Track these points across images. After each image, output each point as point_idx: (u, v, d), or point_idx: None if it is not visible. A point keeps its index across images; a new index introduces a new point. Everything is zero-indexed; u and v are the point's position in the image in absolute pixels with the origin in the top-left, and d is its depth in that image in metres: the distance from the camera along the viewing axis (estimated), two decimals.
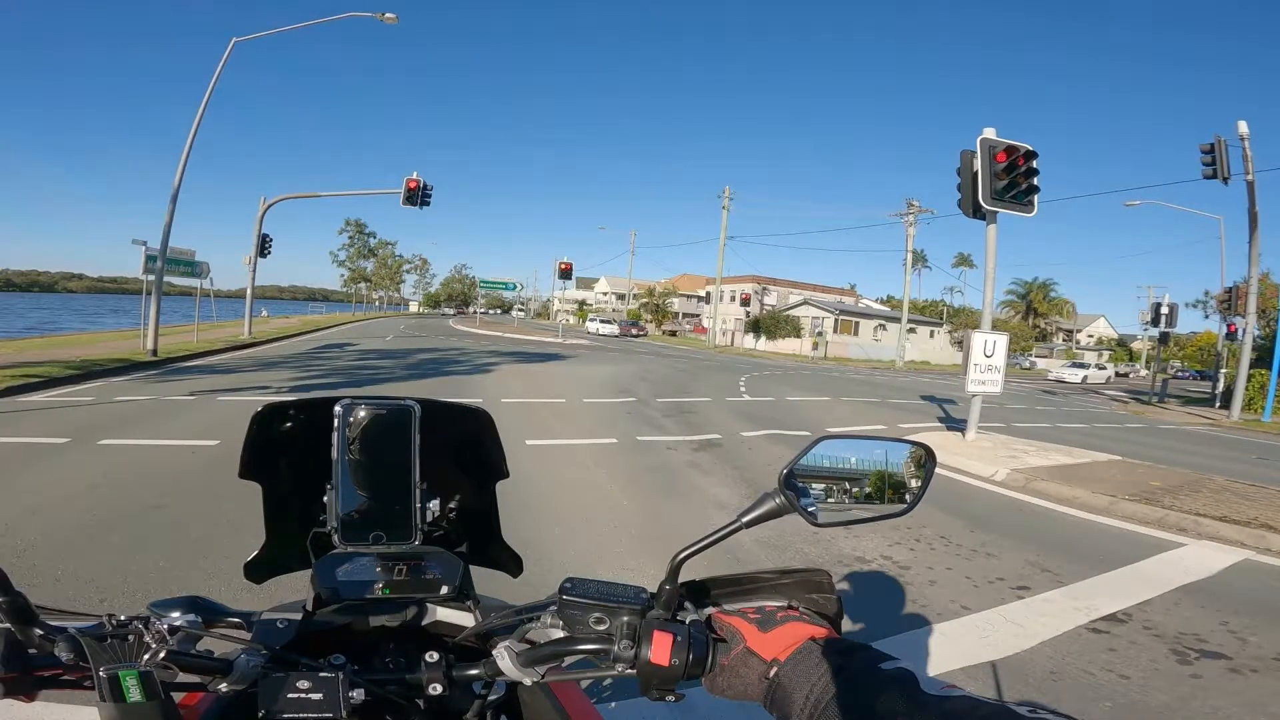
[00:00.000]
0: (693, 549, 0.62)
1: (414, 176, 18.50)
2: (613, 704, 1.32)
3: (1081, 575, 4.12)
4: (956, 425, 10.28)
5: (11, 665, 0.55)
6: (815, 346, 39.54)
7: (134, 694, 0.53)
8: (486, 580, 0.92)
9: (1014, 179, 8.44)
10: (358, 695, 0.66)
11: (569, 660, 0.65)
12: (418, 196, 18.64)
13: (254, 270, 21.16)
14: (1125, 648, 3.09)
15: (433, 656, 0.72)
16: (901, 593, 3.66)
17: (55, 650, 0.56)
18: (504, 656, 0.67)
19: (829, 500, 0.67)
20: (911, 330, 43.77)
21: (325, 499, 0.78)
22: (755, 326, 44.75)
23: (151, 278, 14.35)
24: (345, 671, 0.66)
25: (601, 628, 0.63)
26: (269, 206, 20.95)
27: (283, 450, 0.84)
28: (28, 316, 44.58)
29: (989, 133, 8.46)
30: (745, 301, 43.11)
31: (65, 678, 0.59)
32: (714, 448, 7.40)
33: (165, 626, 0.59)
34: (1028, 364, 51.31)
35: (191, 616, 0.68)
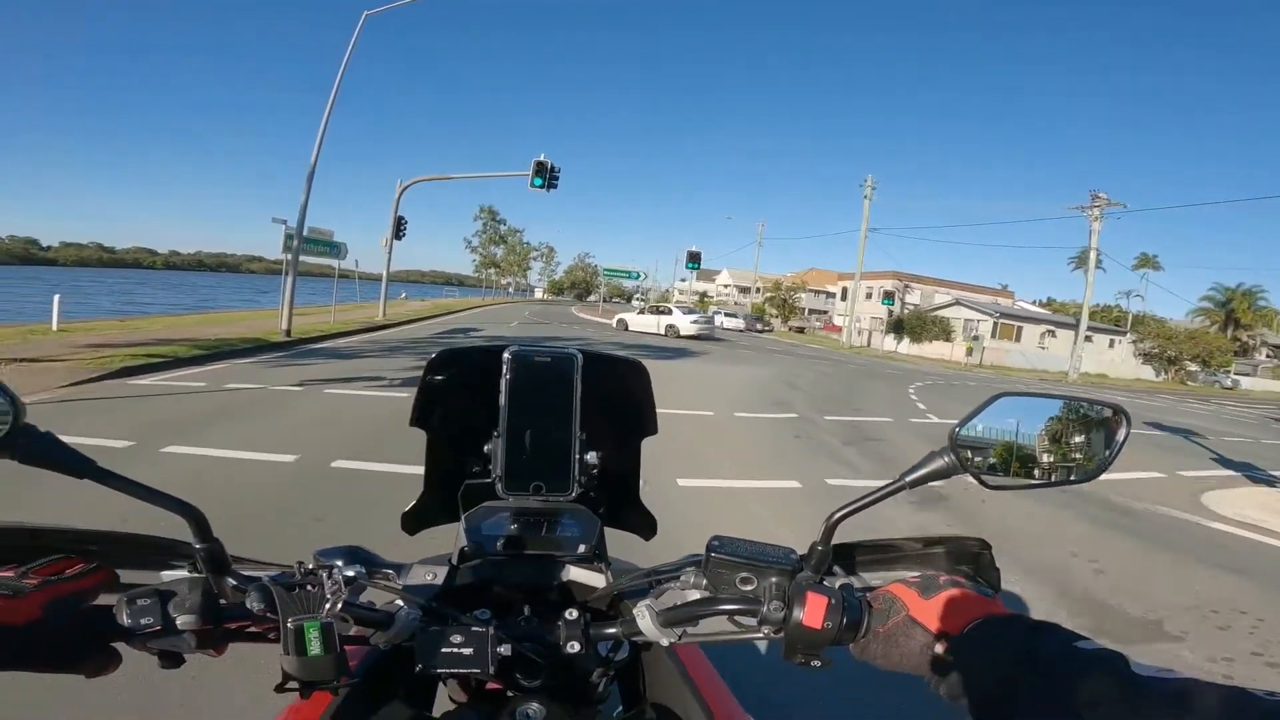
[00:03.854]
0: (849, 509, 0.59)
1: (542, 157, 18.06)
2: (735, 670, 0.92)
3: None
4: (1256, 475, 7.31)
5: (206, 617, 0.54)
6: (970, 352, 34.77)
7: (314, 646, 0.51)
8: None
9: None
10: (505, 650, 0.62)
11: (706, 623, 0.62)
12: (546, 176, 18.14)
13: (390, 252, 21.22)
14: None
15: (572, 614, 0.67)
16: None
17: (246, 601, 0.53)
18: (645, 616, 0.63)
19: (1003, 461, 0.61)
20: (1087, 339, 37.72)
21: (487, 448, 0.76)
22: (898, 327, 40.34)
23: (291, 257, 14.18)
24: (494, 626, 0.62)
25: (748, 588, 0.60)
26: (405, 189, 20.88)
27: (450, 398, 0.83)
28: (202, 294, 49.69)
29: None
30: (889, 298, 38.82)
31: (251, 629, 0.57)
32: (942, 504, 5.25)
33: (342, 577, 0.55)
34: (1229, 383, 42.62)
35: (359, 567, 0.62)
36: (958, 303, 41.96)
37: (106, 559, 0.59)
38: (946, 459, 0.58)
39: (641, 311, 28.71)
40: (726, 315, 46.36)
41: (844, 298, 48.97)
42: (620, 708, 0.79)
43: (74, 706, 1.95)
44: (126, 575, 0.59)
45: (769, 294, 58.77)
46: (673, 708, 0.74)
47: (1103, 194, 34.39)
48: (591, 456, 0.77)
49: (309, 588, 0.53)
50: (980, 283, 57.17)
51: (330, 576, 0.54)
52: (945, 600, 0.54)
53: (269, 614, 0.52)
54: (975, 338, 36.19)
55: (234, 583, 0.56)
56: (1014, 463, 0.61)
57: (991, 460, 0.61)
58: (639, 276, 50.84)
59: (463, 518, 0.77)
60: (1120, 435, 0.61)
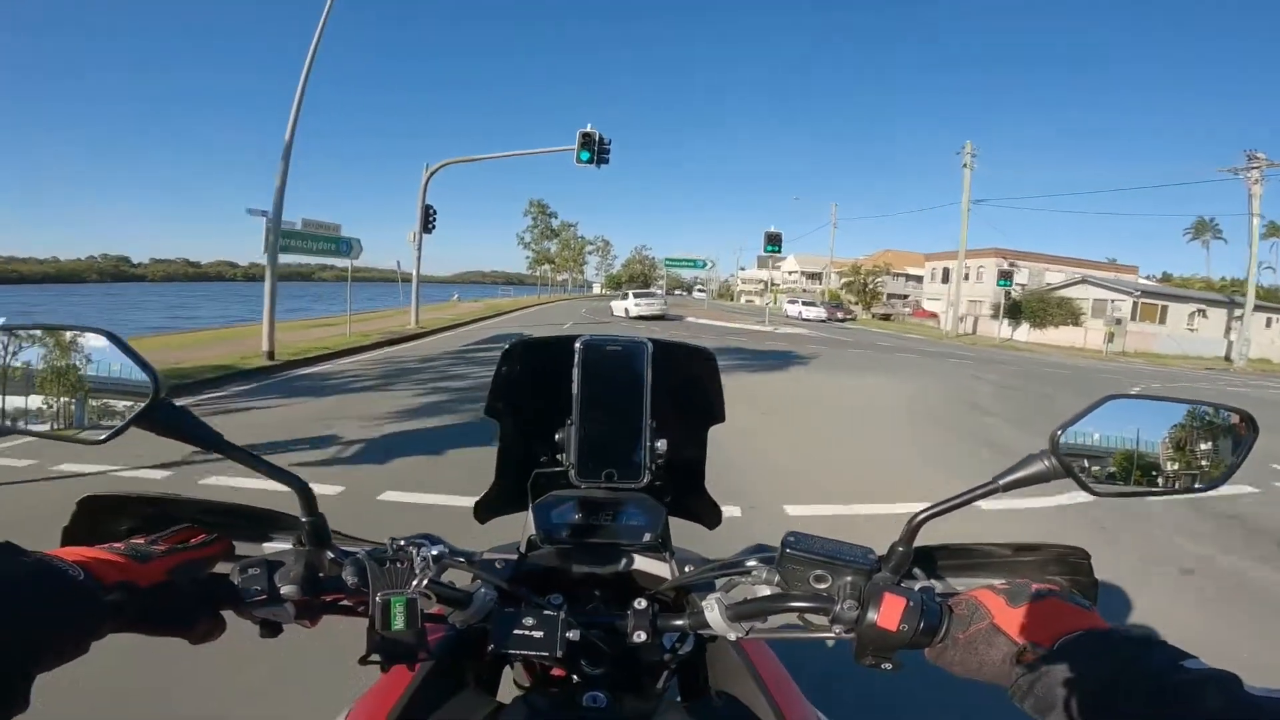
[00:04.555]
0: (934, 510, 0.56)
1: (589, 128, 14.98)
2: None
3: None
4: None
5: (306, 588, 0.55)
6: (1111, 338, 28.99)
7: (399, 621, 0.53)
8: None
9: None
10: (574, 635, 0.63)
11: (774, 619, 0.62)
12: (594, 150, 14.95)
13: (419, 245, 17.97)
14: None
15: (640, 604, 0.68)
16: None
17: (343, 573, 0.55)
18: (714, 608, 0.63)
19: (1110, 467, 0.57)
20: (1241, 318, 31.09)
21: (558, 436, 0.77)
22: (1014, 311, 34.64)
23: (269, 255, 10.94)
24: (564, 612, 0.63)
25: (822, 586, 0.59)
26: (433, 173, 17.61)
27: (523, 387, 0.84)
28: (258, 304, 48.57)
29: None
30: (1005, 279, 33.04)
31: (343, 602, 0.58)
32: None
33: (430, 555, 0.57)
34: None
35: (442, 547, 0.63)
36: (1084, 280, 35.70)
37: (220, 529, 0.61)
38: (1047, 462, 0.54)
39: (620, 299, 33.48)
40: (805, 304, 41.44)
41: (945, 279, 43.05)
42: (678, 699, 0.76)
43: (166, 675, 2.00)
44: (237, 546, 0.62)
45: (846, 279, 53.30)
46: (739, 700, 0.72)
47: (1261, 153, 27.96)
48: (661, 444, 0.77)
49: (399, 564, 0.56)
50: (1084, 257, 49.81)
51: (419, 554, 0.57)
52: (1035, 610, 0.51)
53: (361, 587, 0.54)
54: (1118, 320, 30.20)
55: (332, 556, 0.57)
56: (1122, 469, 0.58)
57: (1097, 466, 0.57)
58: (704, 265, 46.31)
59: (531, 507, 0.78)
60: (1246, 441, 0.58)
